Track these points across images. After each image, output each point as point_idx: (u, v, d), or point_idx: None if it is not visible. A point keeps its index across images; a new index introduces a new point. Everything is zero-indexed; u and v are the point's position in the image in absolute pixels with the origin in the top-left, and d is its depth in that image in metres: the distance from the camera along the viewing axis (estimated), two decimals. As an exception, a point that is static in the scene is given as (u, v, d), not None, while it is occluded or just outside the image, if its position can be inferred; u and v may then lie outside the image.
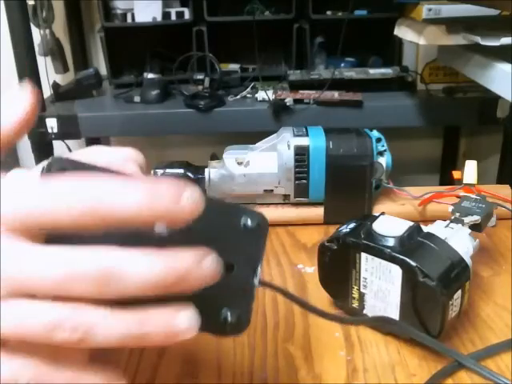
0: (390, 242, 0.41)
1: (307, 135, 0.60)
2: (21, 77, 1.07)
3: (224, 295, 0.29)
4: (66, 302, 0.24)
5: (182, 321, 0.25)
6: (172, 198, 0.24)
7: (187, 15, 1.25)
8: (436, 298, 0.38)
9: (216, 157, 0.64)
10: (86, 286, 0.23)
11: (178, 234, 0.27)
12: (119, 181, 0.24)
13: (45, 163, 0.27)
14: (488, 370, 0.38)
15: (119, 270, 0.23)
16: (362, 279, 0.42)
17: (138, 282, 0.23)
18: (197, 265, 0.24)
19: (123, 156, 0.31)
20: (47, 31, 1.23)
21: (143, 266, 0.23)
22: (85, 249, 0.24)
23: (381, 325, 0.43)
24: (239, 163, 0.61)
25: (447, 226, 0.46)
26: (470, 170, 0.59)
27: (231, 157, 0.61)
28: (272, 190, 0.61)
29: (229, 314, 0.30)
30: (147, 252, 0.24)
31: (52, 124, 1.12)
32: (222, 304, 0.29)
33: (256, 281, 0.30)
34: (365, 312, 0.43)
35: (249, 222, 0.30)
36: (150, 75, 1.26)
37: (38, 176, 0.25)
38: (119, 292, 0.23)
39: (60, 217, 0.23)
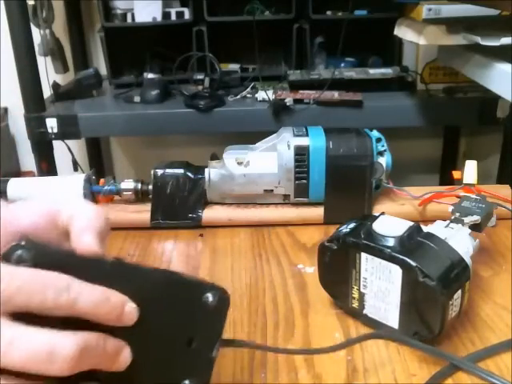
0: (390, 242, 0.41)
1: (307, 135, 0.60)
2: (21, 77, 1.07)
3: (184, 367, 0.31)
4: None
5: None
6: (119, 305, 0.29)
7: (187, 15, 1.25)
8: (436, 298, 0.38)
9: (216, 157, 0.64)
10: (63, 366, 0.27)
11: (143, 311, 0.30)
12: (86, 286, 0.28)
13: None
14: (485, 370, 0.38)
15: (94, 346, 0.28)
16: (362, 279, 0.42)
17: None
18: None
19: (82, 224, 0.33)
20: (47, 31, 1.23)
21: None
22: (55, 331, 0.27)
23: (381, 336, 0.43)
24: (239, 163, 0.61)
25: (447, 225, 0.46)
26: (469, 170, 0.59)
27: (231, 157, 0.61)
28: (272, 190, 0.61)
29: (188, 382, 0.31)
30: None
31: (52, 124, 1.12)
32: (183, 375, 0.31)
33: (215, 353, 0.32)
34: (365, 312, 0.43)
35: (210, 299, 0.31)
36: (150, 75, 1.26)
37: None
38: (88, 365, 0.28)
39: (36, 301, 0.27)
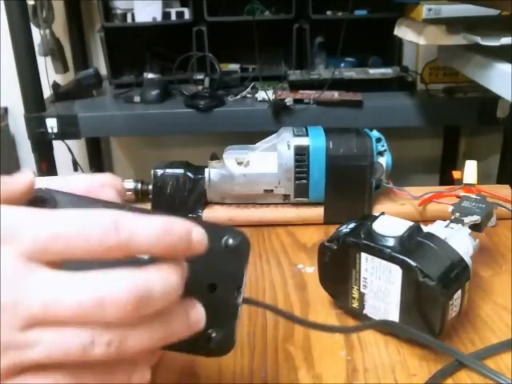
0: (390, 242, 0.41)
1: (307, 135, 0.60)
2: (21, 77, 1.07)
3: (208, 316, 0.29)
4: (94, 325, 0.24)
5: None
6: (184, 234, 0.26)
7: (187, 15, 1.25)
8: (436, 298, 0.38)
9: (216, 157, 0.64)
10: (117, 311, 0.24)
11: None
12: (138, 214, 0.25)
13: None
14: (489, 368, 0.38)
15: (147, 289, 0.24)
16: (362, 279, 0.42)
17: (163, 296, 0.25)
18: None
19: (100, 182, 0.32)
20: (47, 31, 1.23)
21: (165, 281, 0.25)
22: (108, 273, 0.24)
23: (381, 327, 0.43)
24: (239, 163, 0.61)
25: (447, 225, 0.46)
26: (469, 170, 0.59)
27: (231, 157, 0.61)
28: (272, 190, 0.61)
29: (214, 335, 0.30)
30: (163, 267, 0.25)
31: (52, 124, 1.12)
32: (207, 325, 0.29)
33: (240, 300, 0.30)
34: (365, 312, 0.43)
35: (230, 241, 0.30)
36: (150, 75, 1.26)
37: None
38: (149, 310, 0.25)
39: (80, 249, 0.24)
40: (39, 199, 0.28)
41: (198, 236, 0.26)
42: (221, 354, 0.30)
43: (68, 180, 0.32)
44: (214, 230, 0.30)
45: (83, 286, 0.24)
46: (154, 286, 0.24)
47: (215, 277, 0.30)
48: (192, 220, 0.29)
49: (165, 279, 0.25)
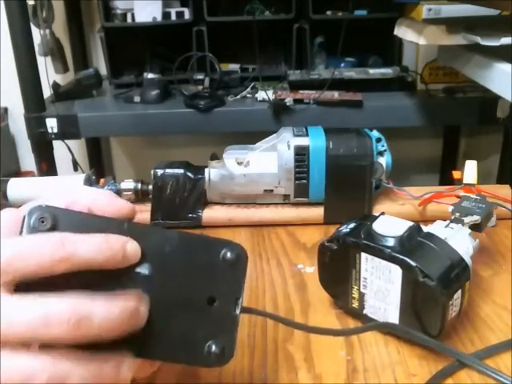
0: (390, 242, 0.41)
1: (307, 135, 0.60)
2: (21, 77, 1.07)
3: (207, 328, 0.30)
4: (42, 352, 0.27)
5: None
6: (119, 246, 0.29)
7: (187, 15, 1.25)
8: (436, 298, 0.38)
9: (216, 157, 0.64)
10: (60, 330, 0.26)
11: (161, 272, 0.30)
12: (81, 236, 0.28)
13: (28, 207, 0.29)
14: (490, 367, 0.38)
15: (88, 313, 0.27)
16: (362, 279, 0.42)
17: (102, 323, 0.27)
18: (140, 303, 0.29)
19: (101, 200, 0.33)
20: (47, 31, 1.23)
21: (104, 309, 0.28)
22: (53, 296, 0.27)
23: (382, 329, 0.43)
24: (239, 163, 0.61)
25: (447, 225, 0.46)
26: (469, 170, 0.59)
27: (231, 157, 0.61)
28: (272, 190, 0.61)
29: (213, 346, 0.30)
30: (112, 299, 0.28)
31: (52, 124, 1.12)
32: (207, 337, 0.30)
33: (238, 312, 0.31)
34: (365, 312, 0.43)
35: (228, 255, 0.31)
36: (150, 75, 1.26)
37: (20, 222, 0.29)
38: (88, 333, 0.27)
39: (33, 263, 0.27)
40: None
41: (131, 248, 0.29)
42: (220, 364, 0.31)
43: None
44: (212, 244, 0.31)
45: (32, 307, 0.27)
46: (96, 312, 0.27)
47: (214, 290, 0.31)
48: (192, 235, 0.31)
49: (107, 309, 0.28)
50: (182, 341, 0.30)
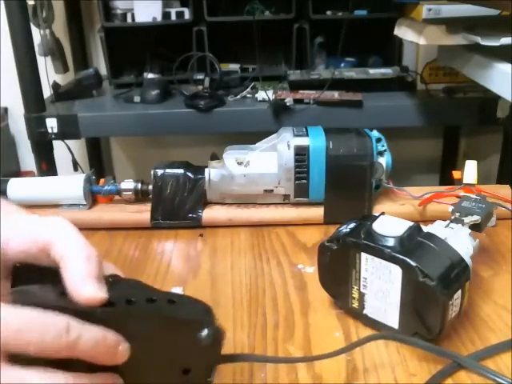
0: (390, 242, 0.41)
1: (307, 135, 0.60)
2: (21, 77, 1.07)
3: None
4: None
5: None
6: (114, 344, 0.31)
7: (187, 15, 1.25)
8: (436, 298, 0.38)
9: (216, 157, 0.64)
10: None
11: (141, 350, 0.31)
12: (80, 324, 0.29)
13: None
14: (488, 369, 0.38)
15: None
16: (362, 279, 0.42)
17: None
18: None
19: (80, 273, 0.32)
20: (47, 31, 1.23)
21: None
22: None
23: (384, 337, 0.43)
24: (239, 163, 0.61)
25: (447, 225, 0.46)
26: (470, 170, 0.59)
27: (231, 157, 0.61)
28: (272, 190, 0.61)
29: None
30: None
31: (52, 124, 1.12)
32: None
33: (211, 378, 0.32)
34: (365, 312, 0.43)
35: (205, 334, 0.32)
36: (150, 75, 1.26)
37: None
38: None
39: (37, 342, 0.28)
40: None
41: (123, 349, 0.31)
42: None
43: (4, 235, 0.33)
44: (191, 324, 0.32)
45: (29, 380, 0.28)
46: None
47: (189, 363, 0.32)
48: (171, 315, 0.32)
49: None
50: None
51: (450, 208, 0.50)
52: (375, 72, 1.18)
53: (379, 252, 0.40)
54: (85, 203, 0.63)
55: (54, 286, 0.31)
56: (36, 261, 0.32)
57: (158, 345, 0.32)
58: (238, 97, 1.19)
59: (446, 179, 1.45)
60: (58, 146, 1.20)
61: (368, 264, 0.41)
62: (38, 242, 0.32)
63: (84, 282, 0.31)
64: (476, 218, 0.48)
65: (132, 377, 0.32)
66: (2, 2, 1.02)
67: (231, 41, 1.33)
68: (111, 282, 0.32)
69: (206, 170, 0.61)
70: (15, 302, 0.29)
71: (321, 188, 0.60)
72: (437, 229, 0.45)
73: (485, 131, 1.54)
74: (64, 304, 0.30)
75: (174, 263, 0.56)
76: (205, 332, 0.32)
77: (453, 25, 0.84)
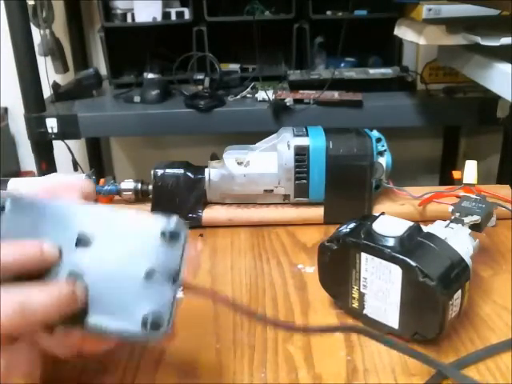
0: (390, 242, 0.41)
1: (307, 135, 0.60)
2: (21, 77, 1.07)
3: (144, 301, 0.31)
4: None
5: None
6: (34, 248, 0.32)
7: (187, 15, 1.25)
8: (436, 298, 0.38)
9: (216, 157, 0.64)
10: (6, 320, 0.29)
11: (98, 249, 0.32)
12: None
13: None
14: (471, 379, 0.37)
15: (28, 301, 0.29)
16: (362, 279, 0.42)
17: (43, 308, 0.30)
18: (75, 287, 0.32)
19: (67, 184, 0.36)
20: (47, 31, 1.23)
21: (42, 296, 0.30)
22: None
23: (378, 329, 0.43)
24: (239, 163, 0.61)
25: (447, 225, 0.46)
26: (470, 170, 0.59)
27: (231, 157, 0.61)
28: (272, 190, 0.61)
29: (149, 317, 0.31)
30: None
31: (52, 124, 1.12)
32: (143, 309, 0.31)
33: (177, 285, 0.32)
34: (365, 312, 0.43)
35: (167, 230, 0.32)
36: (150, 75, 1.26)
37: None
38: (33, 320, 0.30)
39: None
40: None
41: (48, 248, 0.32)
42: (154, 337, 0.31)
43: (38, 180, 0.37)
44: (151, 219, 0.32)
45: None
46: (35, 299, 0.30)
47: (152, 264, 0.31)
48: (129, 211, 0.32)
49: (45, 295, 0.30)
50: (118, 311, 0.32)
51: (450, 208, 0.50)
52: (375, 72, 1.19)
53: (379, 252, 0.40)
54: (85, 203, 0.63)
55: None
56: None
57: (119, 243, 0.32)
58: (238, 97, 1.19)
59: (446, 179, 1.45)
60: (58, 146, 1.20)
61: (368, 264, 0.41)
62: (47, 188, 0.35)
63: (69, 191, 0.35)
64: (476, 218, 0.48)
65: (94, 279, 0.32)
66: (2, 2, 1.02)
67: (231, 41, 1.33)
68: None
69: (206, 170, 0.61)
70: None
71: (321, 188, 0.60)
72: (437, 229, 0.45)
73: (485, 131, 1.54)
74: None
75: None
76: (167, 225, 0.32)
77: (453, 25, 0.84)
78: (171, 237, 0.31)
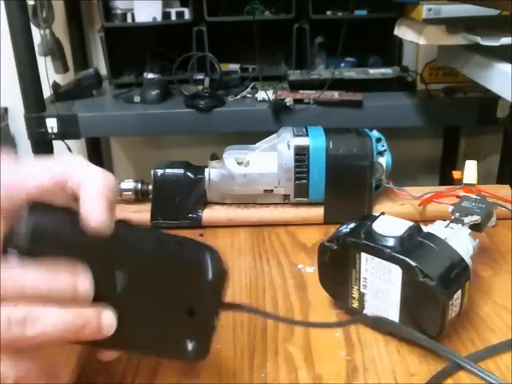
0: (390, 242, 0.41)
1: (307, 135, 0.60)
2: (21, 77, 1.07)
3: (185, 332, 0.33)
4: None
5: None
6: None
7: (187, 15, 1.25)
8: (436, 298, 0.38)
9: (216, 157, 0.64)
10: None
11: (138, 287, 0.31)
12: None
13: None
14: (486, 371, 0.37)
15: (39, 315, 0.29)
16: (362, 279, 0.42)
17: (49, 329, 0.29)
18: (95, 318, 0.30)
19: (86, 176, 0.32)
20: (47, 31, 1.23)
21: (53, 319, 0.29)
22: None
23: (380, 325, 0.43)
24: (239, 163, 0.61)
25: (447, 225, 0.46)
26: (470, 170, 0.59)
27: (231, 157, 0.61)
28: (272, 190, 0.61)
29: (189, 345, 0.33)
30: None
31: (52, 124, 1.12)
32: (183, 338, 0.33)
33: (215, 323, 0.33)
34: (365, 312, 0.43)
35: (211, 274, 0.32)
36: (150, 75, 1.26)
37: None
38: (39, 337, 0.29)
39: None
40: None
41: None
42: (196, 359, 0.34)
43: (45, 166, 0.32)
44: (198, 264, 0.33)
45: None
46: (46, 315, 0.29)
47: (194, 304, 0.32)
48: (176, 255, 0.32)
49: (58, 314, 0.29)
50: (159, 339, 0.33)
51: (450, 208, 0.50)
52: (375, 72, 1.18)
53: (379, 252, 0.40)
54: (85, 203, 0.63)
55: (67, 216, 0.31)
56: (51, 197, 0.31)
57: (164, 284, 0.32)
58: (238, 97, 1.19)
59: (446, 179, 1.45)
60: (58, 146, 1.20)
61: (368, 264, 0.41)
62: (54, 175, 0.31)
63: (93, 203, 0.31)
64: (476, 218, 0.48)
65: (137, 317, 0.32)
66: (2, 2, 1.02)
67: (231, 41, 1.32)
68: (124, 221, 0.32)
69: (206, 170, 0.61)
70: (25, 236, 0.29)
71: (321, 188, 0.60)
72: (437, 229, 0.45)
73: (485, 131, 1.54)
74: (74, 233, 0.30)
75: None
76: (210, 272, 0.32)
77: (453, 25, 0.84)
78: (214, 280, 0.32)
